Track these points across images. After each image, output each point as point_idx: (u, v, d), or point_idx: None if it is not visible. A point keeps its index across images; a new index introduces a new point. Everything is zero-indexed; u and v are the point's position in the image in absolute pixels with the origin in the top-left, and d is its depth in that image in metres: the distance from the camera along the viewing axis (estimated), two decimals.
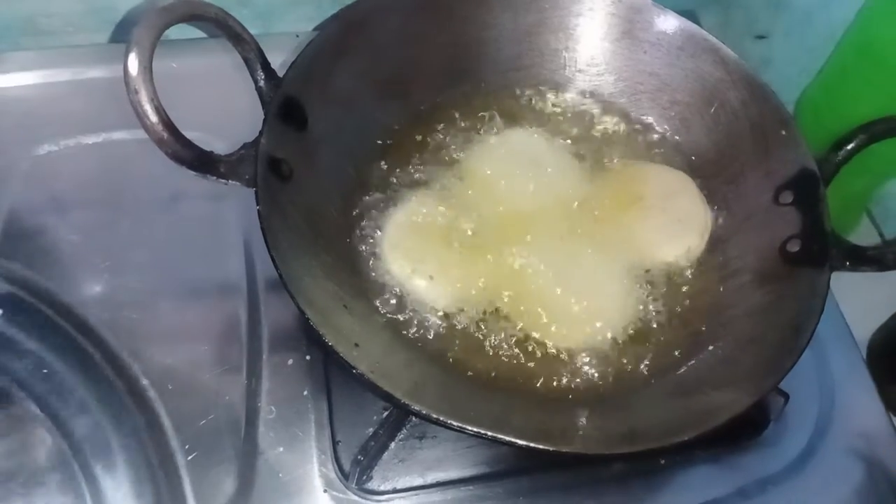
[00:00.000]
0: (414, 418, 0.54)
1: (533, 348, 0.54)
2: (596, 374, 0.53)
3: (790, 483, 0.55)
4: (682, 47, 0.61)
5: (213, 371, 0.55)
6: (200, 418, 0.53)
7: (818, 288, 0.50)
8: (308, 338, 0.57)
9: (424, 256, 0.55)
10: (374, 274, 0.55)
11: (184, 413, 0.53)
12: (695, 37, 0.61)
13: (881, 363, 0.63)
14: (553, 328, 0.54)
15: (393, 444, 0.53)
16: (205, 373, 0.55)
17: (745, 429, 0.56)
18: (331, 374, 0.56)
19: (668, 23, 0.61)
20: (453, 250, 0.56)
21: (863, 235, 0.78)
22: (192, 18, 0.47)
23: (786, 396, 0.55)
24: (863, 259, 0.51)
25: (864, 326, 0.68)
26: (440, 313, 0.54)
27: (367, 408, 0.54)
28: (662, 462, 0.55)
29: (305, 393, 0.55)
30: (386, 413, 0.54)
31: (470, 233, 0.57)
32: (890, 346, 0.68)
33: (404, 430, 0.54)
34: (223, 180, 0.48)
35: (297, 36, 0.68)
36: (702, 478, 0.55)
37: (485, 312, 0.54)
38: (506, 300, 0.55)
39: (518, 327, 0.54)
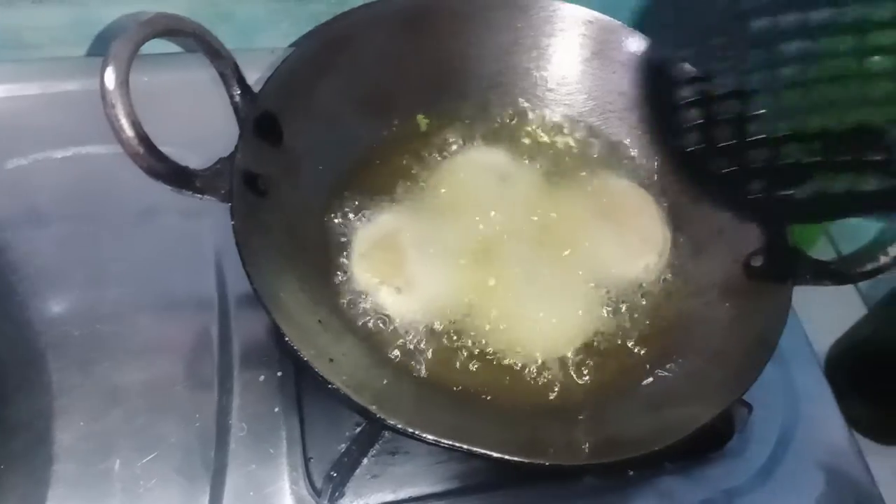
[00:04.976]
0: (387, 433, 0.54)
1: (501, 361, 0.54)
2: (564, 388, 0.54)
3: (755, 493, 0.56)
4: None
5: (185, 387, 0.55)
6: (171, 435, 0.53)
7: (781, 301, 0.52)
8: (280, 354, 0.57)
9: (392, 269, 0.56)
10: (346, 288, 0.55)
11: (155, 429, 0.53)
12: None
13: (839, 375, 0.65)
14: (520, 341, 0.55)
15: (365, 460, 0.53)
16: (176, 389, 0.55)
17: (711, 440, 0.57)
18: (303, 390, 0.56)
19: (638, 44, 0.63)
20: (422, 264, 0.57)
21: (820, 253, 0.80)
22: (171, 33, 0.47)
23: (749, 407, 0.56)
24: (824, 273, 0.53)
25: (823, 341, 0.70)
26: (410, 326, 0.55)
27: (339, 424, 0.54)
28: (631, 474, 0.56)
29: (277, 409, 0.55)
30: (359, 429, 0.54)
31: (438, 247, 0.58)
32: (847, 360, 0.70)
33: (377, 446, 0.54)
34: (199, 195, 0.48)
35: (273, 52, 0.68)
36: (670, 489, 0.56)
37: (453, 325, 0.55)
38: (473, 313, 0.56)
39: (486, 340, 0.55)
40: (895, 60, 0.43)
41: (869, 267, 0.50)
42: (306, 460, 0.53)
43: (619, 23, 0.63)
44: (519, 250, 0.58)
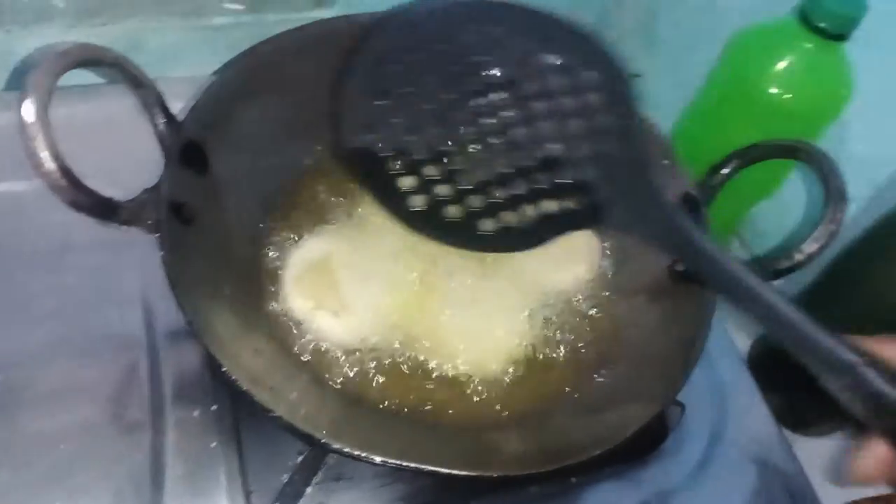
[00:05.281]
0: (329, 460, 0.54)
1: (442, 378, 0.55)
2: (505, 401, 0.55)
3: (693, 490, 0.58)
4: None
5: (115, 429, 0.53)
6: (104, 478, 0.51)
7: (705, 303, 0.54)
8: (214, 387, 0.56)
9: (327, 293, 0.56)
10: (281, 314, 0.55)
11: (86, 474, 0.51)
12: None
13: (759, 372, 0.68)
14: (458, 359, 0.55)
15: (309, 489, 0.52)
16: (105, 431, 0.53)
17: (647, 442, 0.59)
18: (240, 422, 0.54)
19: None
20: (357, 286, 0.56)
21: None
22: (90, 63, 0.46)
23: (682, 407, 0.58)
24: None
25: (744, 339, 0.73)
26: (348, 349, 0.54)
27: (280, 454, 0.53)
28: (574, 481, 0.57)
29: (214, 444, 0.53)
30: (300, 457, 0.53)
31: (373, 269, 0.58)
32: (766, 357, 0.73)
33: (320, 474, 0.53)
34: (125, 226, 0.47)
35: (192, 80, 0.67)
36: (612, 492, 0.57)
37: (392, 345, 0.55)
38: (411, 333, 0.56)
39: (425, 359, 0.55)
40: (552, 103, 0.51)
41: (785, 265, 0.53)
42: (247, 494, 0.52)
43: None
44: (452, 269, 0.59)
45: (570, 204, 0.51)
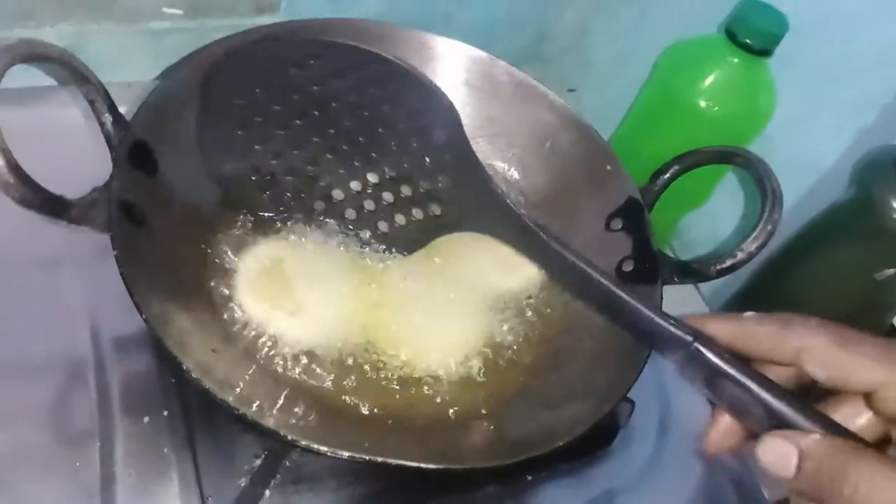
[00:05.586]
0: (287, 462, 0.53)
1: (402, 376, 0.55)
2: (465, 400, 0.55)
3: (643, 486, 0.60)
4: (515, 94, 0.67)
5: (61, 442, 0.51)
6: (50, 491, 0.49)
7: (653, 301, 0.56)
8: (164, 393, 0.54)
9: (283, 294, 0.55)
10: (237, 316, 0.54)
11: (34, 489, 0.49)
12: (525, 84, 0.66)
13: None
14: (416, 359, 0.55)
15: (268, 493, 0.52)
16: (52, 444, 0.51)
17: (600, 438, 0.61)
18: (193, 427, 0.53)
19: (501, 72, 0.67)
20: (312, 287, 0.56)
21: None
22: (35, 59, 0.44)
23: (632, 404, 0.60)
24: (688, 272, 0.58)
25: None
26: (306, 348, 0.54)
27: (236, 457, 0.52)
28: (529, 479, 0.58)
29: (166, 451, 0.52)
30: (258, 461, 0.52)
31: (327, 271, 0.58)
32: None
33: (278, 476, 0.52)
34: (75, 225, 0.45)
35: (130, 86, 0.66)
36: (566, 489, 0.58)
37: (350, 345, 0.55)
38: (369, 334, 0.56)
39: (384, 356, 0.55)
40: (389, 126, 0.56)
41: (728, 263, 0.56)
42: (203, 500, 0.50)
43: (485, 53, 0.67)
44: (406, 272, 0.59)
45: (432, 210, 0.58)
